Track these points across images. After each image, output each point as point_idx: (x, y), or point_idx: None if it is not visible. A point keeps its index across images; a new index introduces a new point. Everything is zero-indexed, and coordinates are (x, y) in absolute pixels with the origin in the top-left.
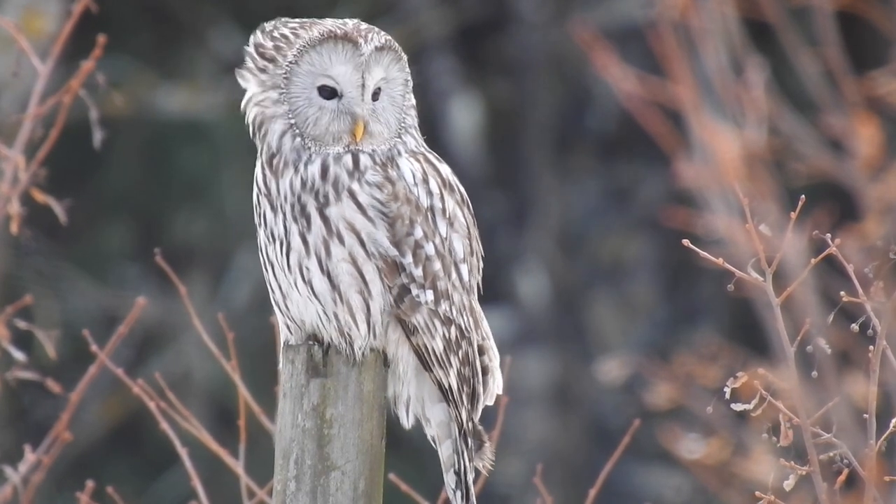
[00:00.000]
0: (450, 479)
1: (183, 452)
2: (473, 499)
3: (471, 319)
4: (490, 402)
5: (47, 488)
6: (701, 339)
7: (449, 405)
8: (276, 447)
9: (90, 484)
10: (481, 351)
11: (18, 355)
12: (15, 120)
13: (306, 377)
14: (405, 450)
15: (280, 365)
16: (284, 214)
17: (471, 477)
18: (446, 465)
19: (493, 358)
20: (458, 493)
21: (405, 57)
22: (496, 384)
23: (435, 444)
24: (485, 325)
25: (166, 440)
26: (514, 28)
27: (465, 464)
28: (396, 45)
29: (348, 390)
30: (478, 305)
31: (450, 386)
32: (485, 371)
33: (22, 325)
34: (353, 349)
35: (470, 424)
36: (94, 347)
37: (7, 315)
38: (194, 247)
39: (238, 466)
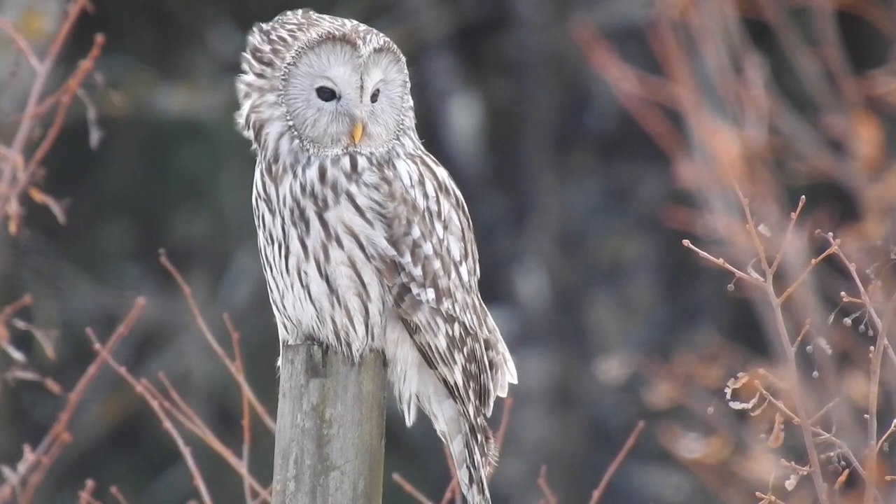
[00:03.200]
0: (463, 475)
1: (186, 452)
2: (487, 494)
3: (475, 317)
4: (503, 394)
5: (47, 488)
6: (702, 338)
7: (456, 402)
8: (275, 447)
9: (91, 483)
10: (487, 346)
11: (17, 355)
12: (14, 120)
13: (305, 377)
14: (405, 450)
15: (278, 362)
16: (283, 218)
17: (484, 472)
18: (458, 461)
19: (502, 350)
20: (474, 488)
21: (403, 58)
22: (508, 375)
23: (445, 440)
24: (489, 320)
25: (165, 440)
26: (513, 28)
27: (477, 459)
28: (395, 46)
29: (347, 390)
30: (480, 302)
31: (455, 383)
32: (491, 366)
33: (21, 325)
34: (350, 351)
35: (479, 420)
36: (96, 346)
37: (6, 315)
38: (194, 247)
39: (241, 466)
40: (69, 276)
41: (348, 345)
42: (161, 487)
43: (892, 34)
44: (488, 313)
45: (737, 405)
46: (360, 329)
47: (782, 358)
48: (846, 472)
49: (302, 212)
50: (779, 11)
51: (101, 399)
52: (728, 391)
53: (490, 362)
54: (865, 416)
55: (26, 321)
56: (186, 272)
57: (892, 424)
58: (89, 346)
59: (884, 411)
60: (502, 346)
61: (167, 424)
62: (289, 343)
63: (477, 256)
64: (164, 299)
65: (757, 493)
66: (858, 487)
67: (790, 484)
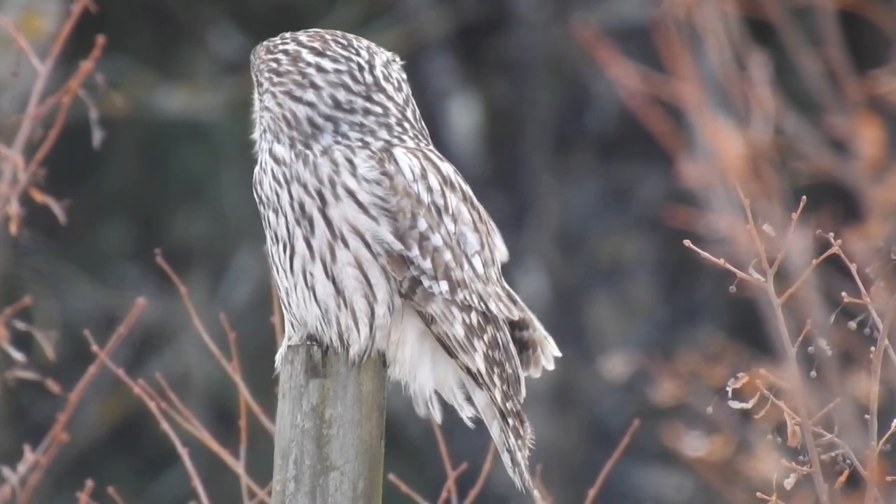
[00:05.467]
0: (506, 459)
1: (183, 453)
2: (528, 475)
3: (500, 304)
4: (550, 367)
5: (47, 488)
6: (702, 338)
7: (482, 388)
8: (275, 447)
9: (89, 483)
10: (521, 326)
11: (17, 356)
12: (14, 120)
13: (305, 378)
14: (404, 450)
15: (276, 364)
16: (286, 217)
17: (520, 455)
18: (499, 447)
19: (537, 328)
20: (517, 471)
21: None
22: (548, 351)
23: (473, 425)
24: (519, 301)
25: (165, 440)
26: (513, 28)
27: (512, 442)
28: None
29: (347, 391)
30: (505, 286)
31: (478, 370)
32: (525, 346)
33: (21, 325)
34: (348, 354)
35: (508, 405)
36: (94, 347)
37: (7, 316)
38: (193, 247)
39: (239, 467)
40: (69, 277)
41: (348, 347)
42: (161, 487)
43: (894, 34)
44: (518, 297)
45: (735, 404)
46: (364, 331)
47: (784, 358)
48: (847, 472)
49: (302, 208)
50: (781, 10)
51: (100, 399)
52: (729, 391)
53: (526, 342)
54: (866, 416)
55: (26, 321)
56: (186, 272)
57: (893, 425)
58: (89, 346)
59: (885, 411)
60: (536, 324)
61: (165, 426)
62: (290, 343)
63: (497, 244)
64: (163, 299)
65: (758, 494)
66: (860, 488)
67: (789, 483)
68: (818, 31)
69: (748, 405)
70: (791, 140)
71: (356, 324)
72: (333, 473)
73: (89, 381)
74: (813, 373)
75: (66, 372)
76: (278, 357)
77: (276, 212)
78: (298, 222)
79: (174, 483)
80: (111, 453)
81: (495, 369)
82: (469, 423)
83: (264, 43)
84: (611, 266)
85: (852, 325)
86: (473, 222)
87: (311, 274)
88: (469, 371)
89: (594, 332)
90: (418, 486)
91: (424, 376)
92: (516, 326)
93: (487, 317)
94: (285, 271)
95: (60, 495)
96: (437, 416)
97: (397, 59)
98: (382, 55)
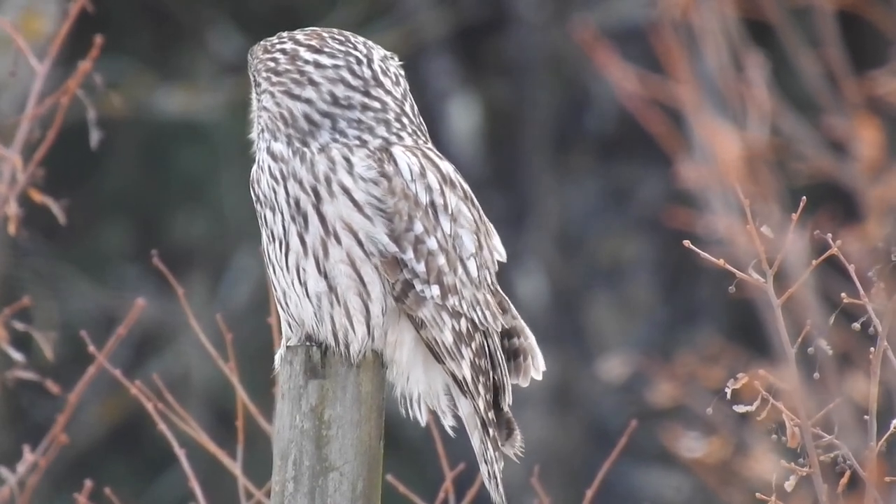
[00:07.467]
0: (484, 470)
1: (181, 454)
2: (501, 489)
3: (487, 312)
4: (538, 377)
5: (46, 489)
6: (701, 339)
7: (466, 396)
8: (274, 448)
9: (88, 484)
10: (512, 334)
11: (17, 356)
12: (13, 120)
13: (304, 378)
14: (404, 450)
15: (276, 364)
16: (283, 214)
17: (497, 467)
18: (479, 457)
19: (528, 336)
20: (493, 483)
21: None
22: (538, 360)
23: (454, 434)
24: (512, 308)
25: (164, 441)
26: (513, 28)
27: (490, 454)
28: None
29: (346, 391)
30: (499, 293)
31: (464, 377)
32: (517, 354)
33: (20, 326)
34: (349, 352)
35: (489, 415)
36: (92, 348)
37: (6, 316)
38: (193, 247)
39: (236, 467)
40: (68, 277)
41: (346, 346)
42: (159, 488)
43: (894, 34)
44: (511, 303)
45: (739, 408)
46: (361, 330)
47: (782, 358)
48: (848, 473)
49: (297, 204)
50: (779, 11)
51: (100, 400)
52: (728, 392)
53: (517, 350)
54: (865, 417)
55: (26, 322)
56: (186, 273)
57: (892, 425)
58: (88, 347)
59: (884, 412)
60: (528, 333)
61: (162, 427)
62: (289, 344)
63: (493, 245)
64: (163, 300)
65: (758, 495)
66: (858, 488)
67: (789, 484)
68: (817, 31)
69: (750, 408)
70: (789, 141)
71: (351, 322)
72: (332, 474)
73: (88, 382)
74: (816, 374)
75: (65, 373)
76: (277, 358)
77: (272, 210)
78: (294, 219)
79: (173, 484)
80: (110, 454)
81: (480, 378)
82: (450, 432)
83: (261, 43)
84: (610, 266)
85: (856, 326)
86: (474, 222)
87: (304, 270)
88: (455, 378)
89: (593, 332)
90: (417, 486)
91: (415, 379)
92: (507, 334)
93: (476, 324)
94: (282, 270)
95: (59, 496)
96: (423, 420)
97: (395, 58)
98: (380, 50)
